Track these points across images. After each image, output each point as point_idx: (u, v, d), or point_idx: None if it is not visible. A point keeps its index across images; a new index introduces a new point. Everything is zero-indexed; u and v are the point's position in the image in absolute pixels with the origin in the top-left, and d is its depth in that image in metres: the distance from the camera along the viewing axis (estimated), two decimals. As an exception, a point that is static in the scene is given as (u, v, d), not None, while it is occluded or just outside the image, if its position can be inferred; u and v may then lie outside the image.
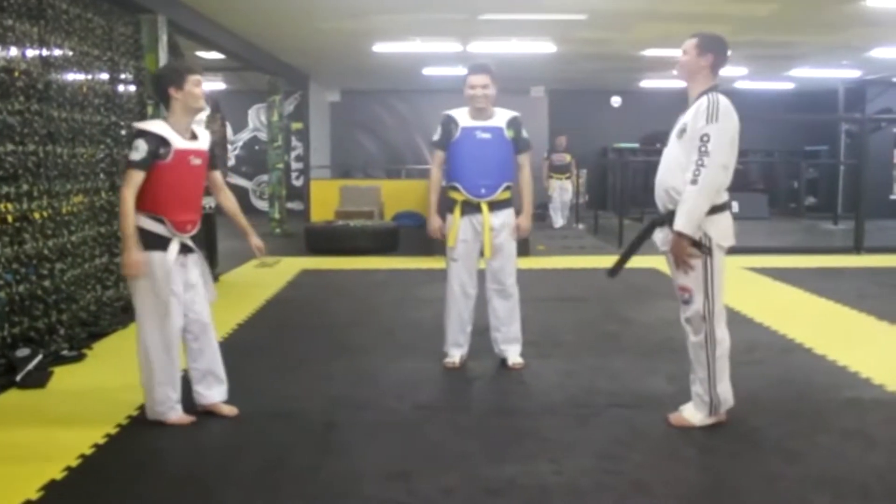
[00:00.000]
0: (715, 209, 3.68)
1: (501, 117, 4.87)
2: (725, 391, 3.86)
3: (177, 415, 3.94)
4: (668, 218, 3.78)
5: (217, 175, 4.19)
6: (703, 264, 3.73)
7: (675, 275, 3.86)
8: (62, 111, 5.76)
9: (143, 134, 3.76)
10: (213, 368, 4.05)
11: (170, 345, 3.86)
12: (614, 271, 4.08)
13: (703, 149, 3.58)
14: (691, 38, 3.87)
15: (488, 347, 5.11)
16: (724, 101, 3.67)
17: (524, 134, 4.92)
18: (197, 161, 3.89)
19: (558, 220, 14.15)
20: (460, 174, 4.87)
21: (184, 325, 3.94)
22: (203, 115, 14.09)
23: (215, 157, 4.12)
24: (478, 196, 4.84)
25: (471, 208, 4.86)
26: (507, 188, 4.89)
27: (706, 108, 3.63)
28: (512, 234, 4.93)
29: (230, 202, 4.23)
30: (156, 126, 3.82)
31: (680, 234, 3.65)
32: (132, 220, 3.71)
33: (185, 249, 3.91)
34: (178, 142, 3.80)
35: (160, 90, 3.90)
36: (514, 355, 5.03)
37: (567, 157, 14.12)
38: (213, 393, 4.06)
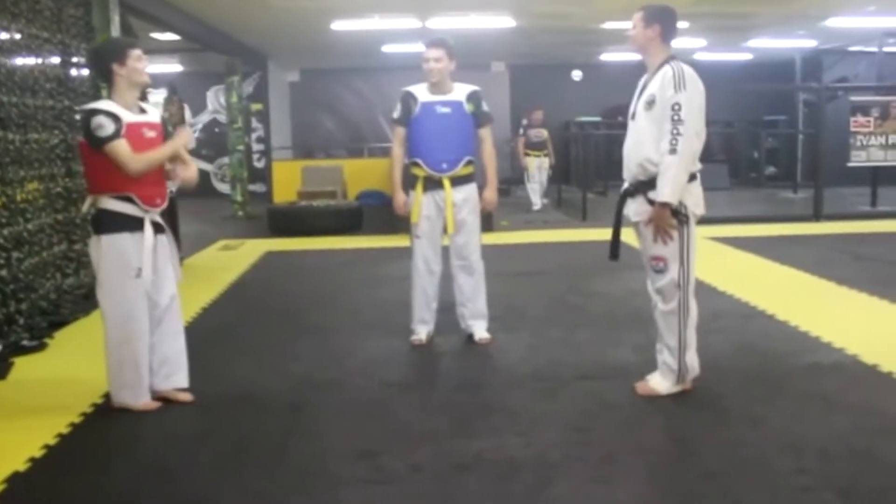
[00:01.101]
0: (690, 177, 3.71)
1: (461, 91, 4.85)
2: (693, 359, 3.91)
3: (144, 401, 3.89)
4: (641, 188, 3.80)
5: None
6: (680, 233, 3.76)
7: (648, 245, 3.86)
8: (12, 96, 5.62)
9: (97, 111, 3.70)
10: (176, 353, 4.00)
11: (141, 331, 3.81)
12: (615, 253, 4.08)
13: (675, 118, 3.60)
14: (637, 11, 3.86)
15: (454, 323, 5.11)
16: (688, 69, 3.70)
17: (485, 107, 4.90)
18: (151, 133, 3.82)
19: (537, 202, 12.96)
20: (421, 150, 4.84)
21: (151, 304, 3.88)
22: (160, 98, 13.87)
23: (167, 131, 4.03)
24: (439, 171, 4.82)
25: (433, 184, 4.84)
26: (469, 163, 4.87)
27: (671, 77, 3.65)
28: (476, 209, 4.92)
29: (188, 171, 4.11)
30: (104, 104, 3.78)
31: (664, 205, 3.67)
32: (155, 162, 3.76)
33: (156, 229, 3.85)
34: (128, 116, 3.74)
35: (101, 67, 3.84)
36: (480, 330, 5.03)
37: (544, 133, 12.96)
38: (173, 380, 4.00)
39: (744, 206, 12.92)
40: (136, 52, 3.79)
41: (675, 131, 3.59)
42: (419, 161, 4.85)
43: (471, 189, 4.91)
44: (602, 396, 3.98)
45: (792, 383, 4.13)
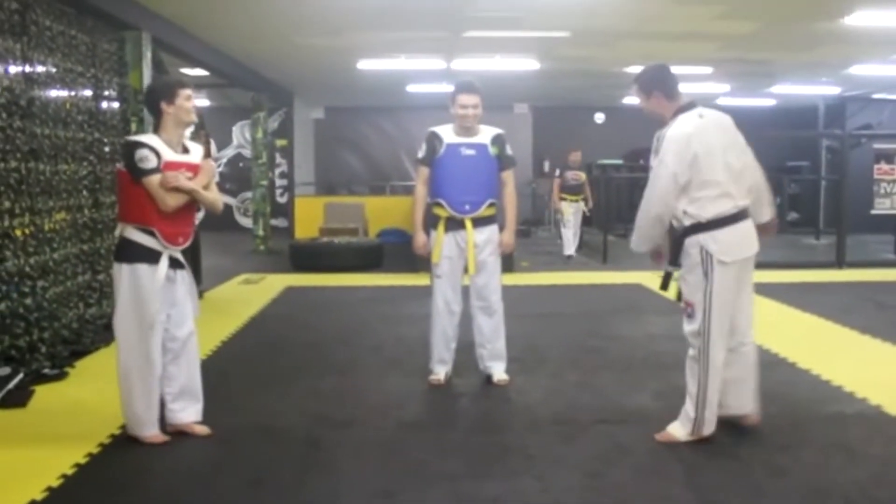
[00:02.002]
0: (714, 224, 3.72)
1: (486, 134, 4.89)
2: (711, 415, 3.85)
3: (153, 433, 3.90)
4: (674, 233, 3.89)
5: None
6: (703, 280, 3.75)
7: (683, 290, 3.90)
8: (45, 128, 5.73)
9: (142, 145, 3.78)
10: (191, 386, 4.01)
11: (151, 362, 3.83)
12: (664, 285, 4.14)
13: (651, 177, 3.76)
14: (633, 85, 4.02)
15: (473, 364, 5.10)
16: (675, 127, 3.76)
17: (508, 151, 4.95)
18: (188, 175, 3.87)
19: (570, 248, 11.89)
20: (444, 190, 4.88)
21: (166, 339, 3.91)
22: (188, 131, 14.01)
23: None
24: (462, 212, 4.84)
25: (455, 224, 4.87)
26: (492, 205, 4.90)
27: (655, 141, 3.82)
28: (496, 251, 4.93)
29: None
30: (148, 139, 3.85)
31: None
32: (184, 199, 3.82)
33: (175, 264, 3.90)
34: (169, 154, 3.81)
35: (151, 104, 3.91)
36: (499, 372, 5.02)
37: (582, 176, 11.90)
38: (189, 413, 4.01)
39: (766, 251, 12.69)
40: (186, 92, 3.87)
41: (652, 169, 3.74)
42: (442, 201, 4.88)
43: (492, 230, 4.93)
44: (620, 441, 3.94)
45: (814, 433, 4.07)
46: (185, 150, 3.93)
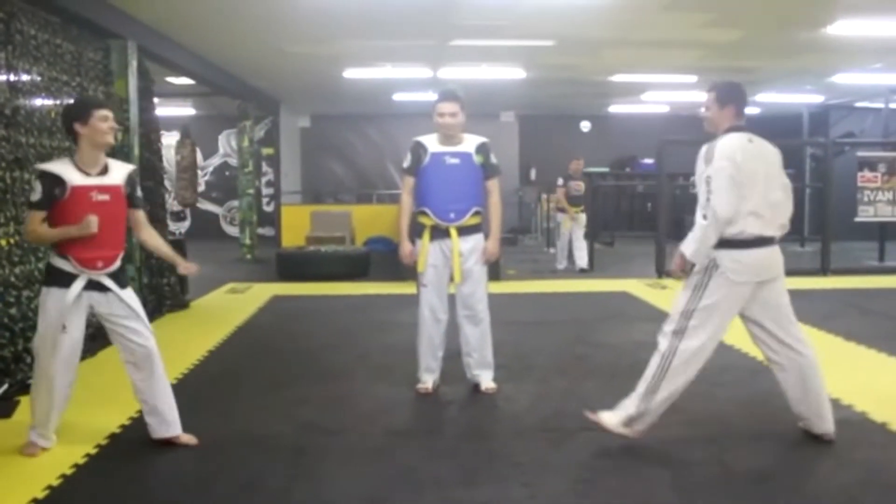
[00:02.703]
0: (735, 243, 3.77)
1: (470, 143, 4.90)
2: (645, 414, 3.89)
3: (43, 444, 3.92)
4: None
5: (138, 213, 4.07)
6: (697, 289, 3.83)
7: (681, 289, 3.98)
8: (30, 137, 5.70)
9: (41, 175, 3.76)
10: (158, 405, 3.97)
11: (52, 378, 3.83)
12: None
13: (707, 189, 3.74)
14: (710, 91, 4.04)
15: (461, 372, 5.10)
16: (724, 141, 3.81)
17: (493, 159, 4.96)
18: (102, 196, 3.80)
19: (562, 259, 11.64)
20: (429, 199, 4.89)
21: (125, 357, 3.93)
22: (173, 140, 14.03)
23: (135, 195, 4.02)
24: (447, 221, 4.85)
25: (440, 233, 4.88)
26: (477, 213, 4.92)
27: (703, 152, 3.82)
28: (481, 259, 4.94)
29: (152, 239, 4.15)
30: (54, 166, 3.81)
31: (683, 255, 3.84)
32: (48, 240, 3.80)
33: (100, 288, 3.83)
34: (77, 179, 3.75)
35: (66, 125, 3.86)
36: (486, 380, 5.02)
37: (582, 186, 11.52)
38: (165, 429, 3.99)
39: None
40: (101, 113, 3.79)
41: (708, 201, 3.72)
42: (427, 210, 4.89)
43: (477, 239, 4.94)
44: (607, 448, 3.95)
45: (800, 439, 4.09)
46: (104, 172, 3.85)
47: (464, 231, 4.87)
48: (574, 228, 11.46)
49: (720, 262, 3.79)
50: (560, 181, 11.48)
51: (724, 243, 3.78)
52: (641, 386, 3.91)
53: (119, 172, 3.92)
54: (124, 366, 3.97)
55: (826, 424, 3.98)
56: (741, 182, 3.72)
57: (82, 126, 3.77)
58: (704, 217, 3.72)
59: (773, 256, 3.91)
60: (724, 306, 3.83)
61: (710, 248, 3.78)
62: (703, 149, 3.84)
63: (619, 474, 3.64)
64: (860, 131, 15.62)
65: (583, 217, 11.47)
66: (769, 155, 3.94)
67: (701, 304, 3.81)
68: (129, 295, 3.95)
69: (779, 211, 3.91)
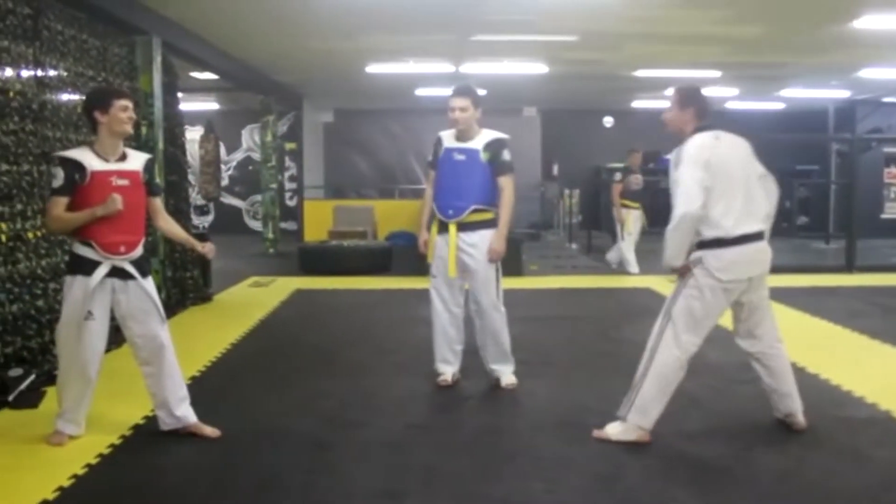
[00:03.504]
0: (717, 243, 3.81)
1: (481, 139, 4.86)
2: (641, 411, 3.90)
3: (71, 431, 3.98)
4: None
5: (155, 201, 4.14)
6: (685, 283, 3.89)
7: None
8: (56, 131, 5.77)
9: (61, 161, 3.81)
10: (167, 398, 4.01)
11: (83, 366, 3.90)
12: None
13: (674, 194, 3.81)
14: (673, 93, 4.07)
15: (481, 367, 5.11)
16: (691, 143, 3.85)
17: (505, 156, 4.87)
18: (122, 181, 3.87)
19: (633, 262, 10.32)
20: (437, 194, 4.97)
21: (134, 350, 4.00)
22: (196, 135, 14.13)
23: (153, 182, 4.11)
24: (445, 217, 4.88)
25: (444, 227, 4.91)
26: (479, 210, 4.85)
27: (673, 156, 3.90)
28: (485, 256, 4.85)
29: (169, 225, 4.22)
30: (73, 153, 3.88)
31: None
32: (73, 224, 3.80)
33: (123, 275, 3.88)
34: (96, 164, 3.81)
35: (87, 113, 3.93)
36: (506, 375, 5.02)
37: (641, 180, 10.47)
38: (171, 422, 4.04)
39: (775, 255, 12.74)
40: (122, 103, 3.85)
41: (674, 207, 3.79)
42: (434, 204, 4.95)
43: (481, 235, 4.86)
44: (627, 445, 3.94)
45: (822, 437, 4.06)
46: (123, 158, 3.92)
47: (466, 226, 4.85)
48: (634, 226, 10.34)
49: (705, 261, 3.83)
50: (617, 176, 10.48)
51: (708, 243, 3.83)
52: (635, 377, 3.98)
53: (137, 160, 4.00)
54: (135, 358, 4.03)
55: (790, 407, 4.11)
56: (711, 185, 3.75)
57: (102, 114, 3.84)
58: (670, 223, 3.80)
59: (758, 252, 3.95)
60: (708, 304, 3.87)
61: (683, 248, 3.82)
62: (673, 153, 3.88)
63: (640, 470, 3.64)
64: (887, 127, 15.44)
65: (641, 214, 10.41)
66: (739, 148, 3.96)
67: (686, 301, 3.87)
68: (150, 285, 4.00)
69: (760, 203, 3.94)
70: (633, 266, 10.34)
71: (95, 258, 3.83)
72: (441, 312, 4.99)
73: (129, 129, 3.92)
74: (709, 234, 3.81)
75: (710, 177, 3.75)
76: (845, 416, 4.43)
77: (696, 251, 3.87)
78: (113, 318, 3.99)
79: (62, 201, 3.79)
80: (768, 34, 8.88)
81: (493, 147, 4.86)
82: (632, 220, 10.31)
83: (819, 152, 16.90)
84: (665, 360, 3.88)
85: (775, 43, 9.43)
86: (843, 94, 14.64)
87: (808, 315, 7.48)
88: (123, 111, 3.85)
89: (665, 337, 3.90)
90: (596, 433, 4.02)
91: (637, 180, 10.33)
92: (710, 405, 4.57)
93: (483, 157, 4.83)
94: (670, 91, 4.10)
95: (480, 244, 4.86)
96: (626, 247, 10.44)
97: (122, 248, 3.87)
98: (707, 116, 3.98)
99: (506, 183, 4.90)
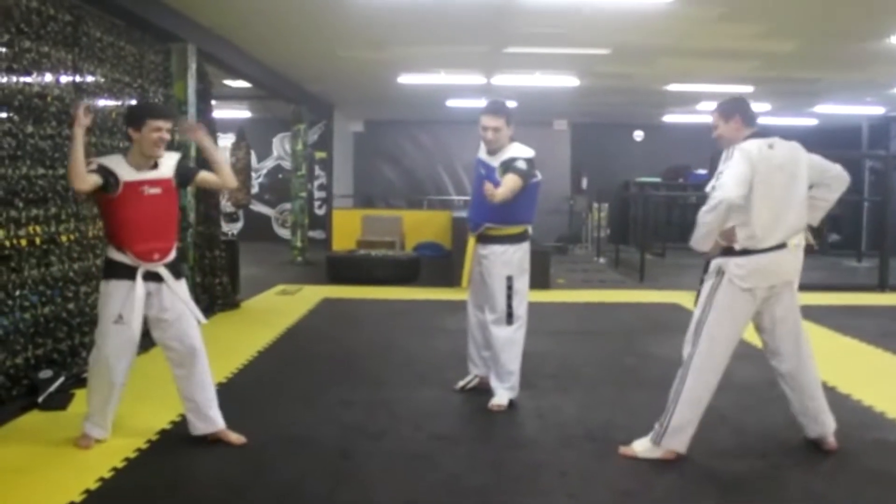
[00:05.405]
0: (745, 251, 3.79)
1: (502, 156, 4.78)
2: (678, 430, 3.85)
3: (97, 435, 4.02)
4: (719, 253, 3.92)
5: (199, 175, 4.23)
6: (709, 298, 3.87)
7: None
8: (92, 136, 5.84)
9: (98, 167, 3.86)
10: (198, 401, 4.04)
11: (114, 373, 3.95)
12: None
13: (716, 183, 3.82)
14: (714, 111, 4.07)
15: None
16: (744, 147, 3.82)
17: (518, 165, 4.70)
18: (154, 190, 3.93)
19: None
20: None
21: (166, 352, 4.04)
22: (228, 142, 14.26)
23: (188, 168, 4.24)
24: (469, 228, 4.99)
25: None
26: (494, 228, 4.82)
27: (724, 155, 3.90)
28: (498, 270, 4.80)
29: (214, 173, 4.23)
30: (107, 160, 3.94)
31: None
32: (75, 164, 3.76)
33: (155, 278, 3.94)
34: (128, 174, 3.87)
35: (126, 126, 4.02)
36: (497, 395, 4.85)
37: None
38: (201, 426, 4.07)
39: (805, 273, 12.55)
40: (155, 124, 3.89)
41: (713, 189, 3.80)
42: None
43: (493, 250, 4.83)
44: (654, 460, 3.90)
45: (853, 459, 4.00)
46: (154, 167, 3.97)
47: (483, 238, 4.89)
48: None
49: (726, 269, 3.82)
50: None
51: (730, 251, 3.81)
52: (670, 396, 3.94)
53: (168, 165, 4.04)
54: (167, 361, 4.07)
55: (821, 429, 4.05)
56: (753, 188, 3.72)
57: (135, 132, 3.92)
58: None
59: (781, 261, 3.88)
60: (732, 314, 3.84)
61: (713, 234, 3.79)
62: (728, 150, 3.87)
63: (666, 487, 3.60)
64: (922, 145, 15.22)
65: None
66: (789, 162, 3.88)
67: (711, 313, 3.84)
68: (182, 287, 4.06)
69: (796, 219, 3.90)
70: None
71: (131, 264, 3.89)
72: (470, 316, 5.09)
73: (159, 152, 3.95)
74: (740, 237, 3.78)
75: (754, 180, 3.73)
76: (877, 437, 4.36)
77: (719, 257, 3.86)
78: (144, 322, 4.03)
79: (94, 175, 3.80)
80: (802, 49, 8.80)
81: (505, 165, 4.74)
82: None
83: (852, 169, 16.60)
84: (694, 384, 3.86)
85: (809, 58, 9.34)
86: (878, 110, 14.46)
87: (840, 334, 7.37)
88: (155, 132, 3.89)
89: (694, 361, 3.86)
90: (623, 450, 3.99)
91: None
92: (738, 422, 4.52)
93: (499, 174, 4.75)
94: (703, 105, 4.10)
95: (491, 257, 4.85)
96: None
97: (156, 256, 3.94)
98: (754, 122, 3.95)
99: (507, 179, 4.67)
